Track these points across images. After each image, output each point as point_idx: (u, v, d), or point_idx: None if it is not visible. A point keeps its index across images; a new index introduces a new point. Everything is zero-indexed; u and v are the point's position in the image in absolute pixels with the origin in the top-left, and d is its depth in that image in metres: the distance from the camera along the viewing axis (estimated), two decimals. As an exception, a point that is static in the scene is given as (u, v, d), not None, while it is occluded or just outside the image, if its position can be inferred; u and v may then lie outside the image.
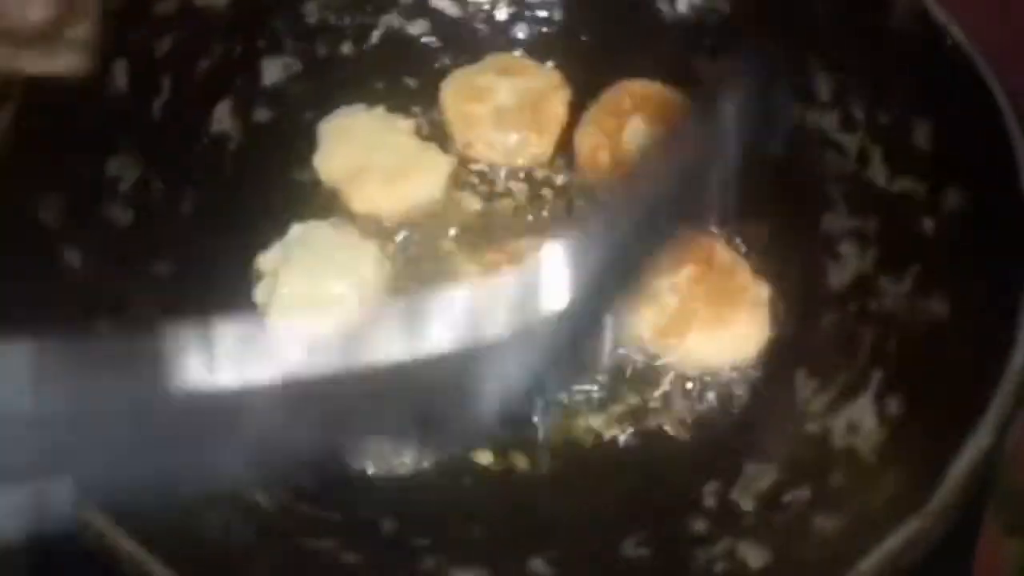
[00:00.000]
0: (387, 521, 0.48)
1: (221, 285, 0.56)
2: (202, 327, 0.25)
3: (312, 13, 0.63)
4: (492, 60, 0.64)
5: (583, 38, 0.66)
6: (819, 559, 0.41)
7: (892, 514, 0.39)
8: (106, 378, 0.25)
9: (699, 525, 0.47)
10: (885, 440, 0.45)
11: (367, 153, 0.60)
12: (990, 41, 0.48)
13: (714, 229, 0.57)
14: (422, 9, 0.65)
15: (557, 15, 0.66)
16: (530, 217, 0.61)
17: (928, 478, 0.39)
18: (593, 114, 0.62)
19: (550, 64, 0.65)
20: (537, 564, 0.46)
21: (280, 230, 0.58)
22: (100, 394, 0.25)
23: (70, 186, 0.50)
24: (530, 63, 0.64)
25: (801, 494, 0.45)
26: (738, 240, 0.58)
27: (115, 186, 0.53)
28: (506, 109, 0.62)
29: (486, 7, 0.66)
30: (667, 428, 0.52)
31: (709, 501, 0.48)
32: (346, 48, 0.64)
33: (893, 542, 0.37)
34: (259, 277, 0.56)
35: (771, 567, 0.42)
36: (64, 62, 0.44)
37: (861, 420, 0.47)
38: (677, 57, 0.63)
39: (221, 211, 0.58)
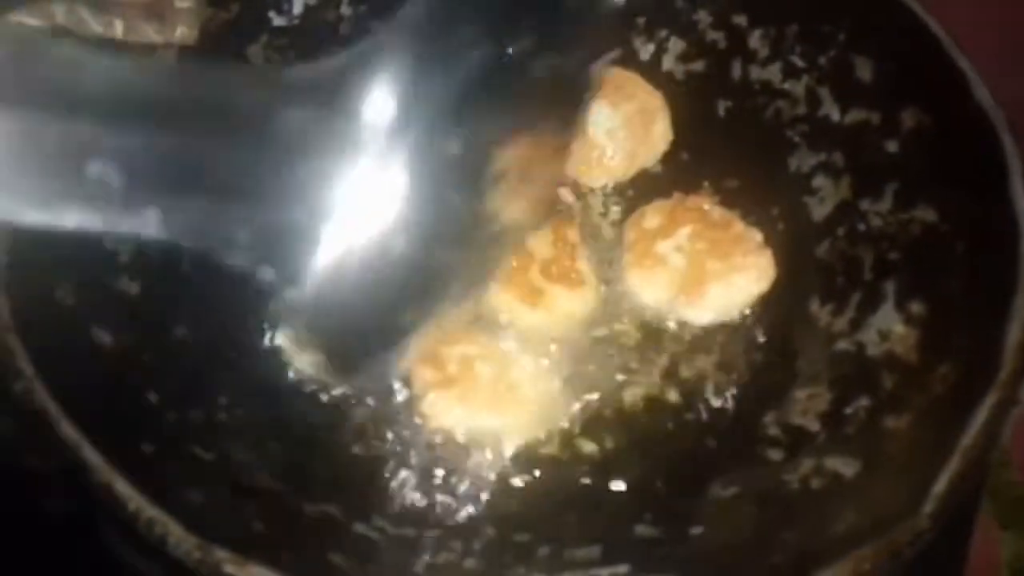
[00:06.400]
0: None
1: (237, 337, 0.55)
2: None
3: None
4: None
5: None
6: (906, 453, 0.45)
7: (962, 397, 0.43)
8: None
9: (775, 454, 0.49)
10: (919, 339, 0.49)
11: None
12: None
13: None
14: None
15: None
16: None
17: (990, 348, 0.43)
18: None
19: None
20: (640, 529, 0.48)
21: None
22: None
23: (78, 267, 0.48)
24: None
25: (861, 404, 0.49)
26: (718, 198, 0.61)
27: (116, 259, 0.51)
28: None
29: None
30: (707, 378, 0.55)
31: (773, 431, 0.51)
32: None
33: (982, 414, 0.41)
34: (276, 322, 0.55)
35: (864, 472, 0.45)
36: (175, 32, 0.51)
37: (890, 327, 0.51)
38: (617, 43, 0.67)
39: (217, 265, 0.56)
